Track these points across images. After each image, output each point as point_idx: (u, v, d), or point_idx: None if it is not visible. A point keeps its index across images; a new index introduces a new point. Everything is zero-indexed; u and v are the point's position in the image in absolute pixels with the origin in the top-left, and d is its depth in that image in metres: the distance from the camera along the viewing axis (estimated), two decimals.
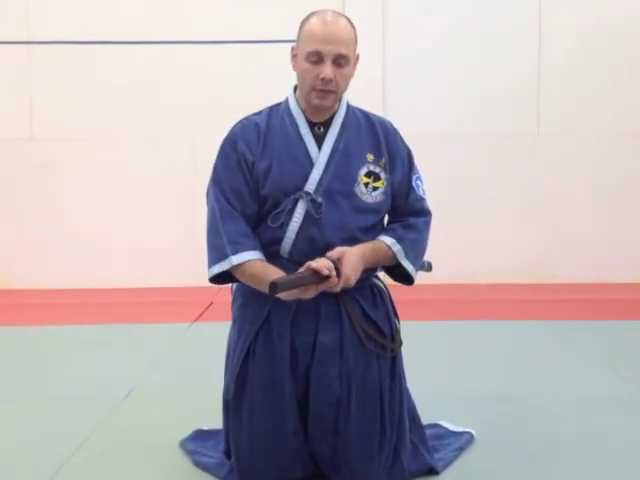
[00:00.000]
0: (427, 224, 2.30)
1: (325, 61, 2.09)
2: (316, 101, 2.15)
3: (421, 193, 2.29)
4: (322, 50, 2.08)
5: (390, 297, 2.33)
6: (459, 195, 6.17)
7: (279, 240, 2.16)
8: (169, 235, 6.26)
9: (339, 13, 2.18)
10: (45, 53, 6.25)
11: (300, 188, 2.14)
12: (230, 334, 2.29)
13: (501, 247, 6.26)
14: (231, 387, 2.21)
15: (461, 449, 2.45)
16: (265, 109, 2.28)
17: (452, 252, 5.75)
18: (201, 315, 5.03)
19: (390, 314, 2.29)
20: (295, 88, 2.25)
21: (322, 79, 2.09)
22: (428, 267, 2.33)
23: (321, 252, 2.08)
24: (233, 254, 2.11)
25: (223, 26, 6.27)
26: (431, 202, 2.34)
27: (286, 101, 2.26)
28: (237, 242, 2.12)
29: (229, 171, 2.18)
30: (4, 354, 4.05)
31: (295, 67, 2.19)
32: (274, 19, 6.18)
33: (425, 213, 2.30)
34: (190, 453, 2.45)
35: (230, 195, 2.16)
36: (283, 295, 2.01)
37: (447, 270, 5.23)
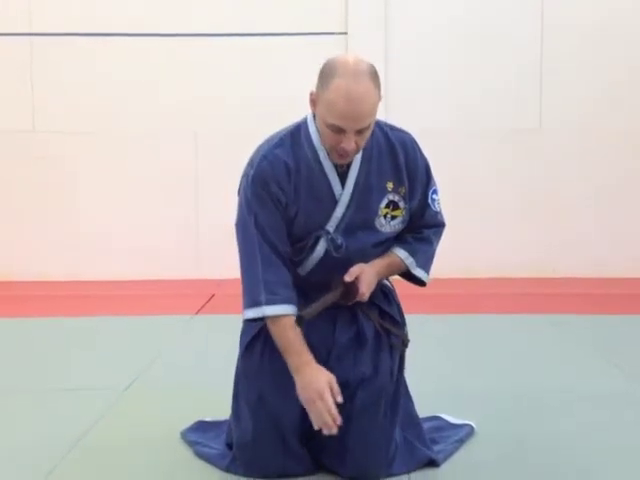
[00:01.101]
0: (439, 234, 2.34)
1: (347, 134, 2.02)
2: (335, 160, 2.12)
3: (436, 208, 2.31)
4: (345, 127, 2.01)
5: (397, 295, 2.40)
6: (459, 193, 6.13)
7: (299, 267, 2.22)
8: (171, 225, 6.25)
9: (362, 67, 2.00)
10: (47, 45, 6.24)
11: (322, 226, 2.16)
12: (242, 329, 2.31)
13: (501, 246, 6.25)
14: (241, 378, 2.24)
15: (461, 441, 2.46)
16: (285, 136, 2.17)
17: (452, 251, 5.70)
18: (203, 307, 5.04)
19: (399, 310, 2.36)
20: (315, 115, 2.15)
21: (343, 148, 2.04)
22: None
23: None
24: (266, 304, 2.10)
25: (225, 19, 6.24)
26: None
27: (306, 129, 2.17)
28: (273, 292, 2.10)
29: (270, 212, 2.13)
30: (4, 346, 4.05)
31: (314, 111, 2.11)
32: (276, 12, 6.18)
33: (438, 225, 2.33)
34: (191, 444, 2.46)
35: (272, 236, 2.13)
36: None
37: (447, 269, 5.21)
